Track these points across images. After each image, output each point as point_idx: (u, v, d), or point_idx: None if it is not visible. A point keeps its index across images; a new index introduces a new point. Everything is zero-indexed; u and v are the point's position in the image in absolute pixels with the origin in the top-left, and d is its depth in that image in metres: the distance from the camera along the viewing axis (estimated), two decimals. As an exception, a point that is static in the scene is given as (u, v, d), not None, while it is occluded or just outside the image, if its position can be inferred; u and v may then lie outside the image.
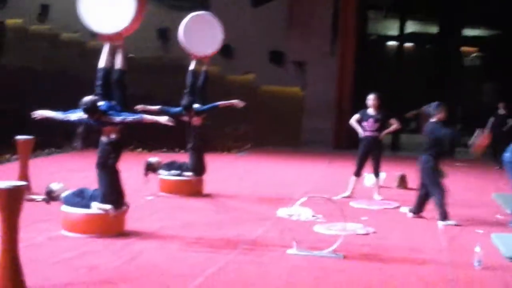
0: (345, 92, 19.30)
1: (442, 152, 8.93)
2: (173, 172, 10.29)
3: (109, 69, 7.50)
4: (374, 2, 21.82)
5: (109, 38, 7.55)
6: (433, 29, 22.84)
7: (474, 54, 22.16)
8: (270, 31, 20.27)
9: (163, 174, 10.28)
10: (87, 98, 7.07)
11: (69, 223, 7.33)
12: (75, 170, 12.38)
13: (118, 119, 7.11)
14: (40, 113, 7.33)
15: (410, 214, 9.09)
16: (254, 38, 20.02)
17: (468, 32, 20.63)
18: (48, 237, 7.13)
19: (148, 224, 8.01)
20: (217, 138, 17.65)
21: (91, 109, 7.03)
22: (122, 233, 7.42)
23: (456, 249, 7.43)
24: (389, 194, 11.04)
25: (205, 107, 10.25)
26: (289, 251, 6.90)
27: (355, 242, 7.44)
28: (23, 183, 5.34)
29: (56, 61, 19.67)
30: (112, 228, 7.38)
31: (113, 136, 7.33)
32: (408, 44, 21.83)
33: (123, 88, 7.53)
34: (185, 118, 10.18)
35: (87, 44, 20.27)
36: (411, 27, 21.63)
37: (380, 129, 10.50)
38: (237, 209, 9.43)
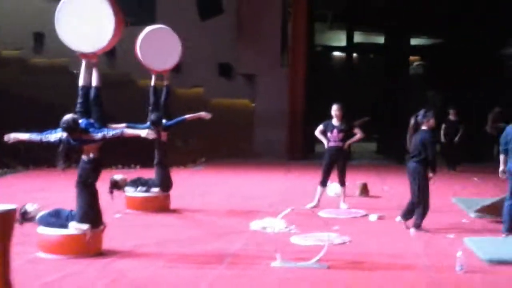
0: (297, 102, 19.45)
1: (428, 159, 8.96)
2: (139, 188, 10.17)
3: (88, 87, 7.41)
4: (318, 14, 22.07)
5: (86, 56, 7.47)
6: (380, 39, 23.35)
7: (417, 63, 22.66)
8: (219, 44, 20.33)
9: (130, 191, 10.13)
10: (67, 117, 6.96)
11: (46, 245, 7.17)
12: (31, 191, 12.12)
13: (99, 135, 7.01)
14: (13, 136, 7.15)
15: (399, 219, 9.19)
16: (203, 51, 20.00)
17: (413, 41, 21.09)
18: (27, 260, 6.95)
19: (123, 243, 7.88)
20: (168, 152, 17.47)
21: (71, 127, 6.92)
22: (100, 253, 7.30)
23: (433, 254, 7.59)
24: (353, 202, 11.15)
25: (173, 121, 10.21)
26: (274, 264, 6.90)
27: (334, 251, 7.49)
28: (13, 206, 5.19)
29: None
30: (90, 248, 7.25)
31: (92, 154, 7.21)
32: (355, 54, 22.16)
33: (101, 104, 7.45)
34: (153, 135, 10.05)
35: (29, 61, 19.92)
36: (356, 37, 21.98)
37: (344, 139, 10.62)
38: (208, 224, 9.39)
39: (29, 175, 15.01)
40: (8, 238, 5.02)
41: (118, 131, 7.27)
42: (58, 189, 12.59)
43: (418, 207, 8.91)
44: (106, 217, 9.03)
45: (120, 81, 19.78)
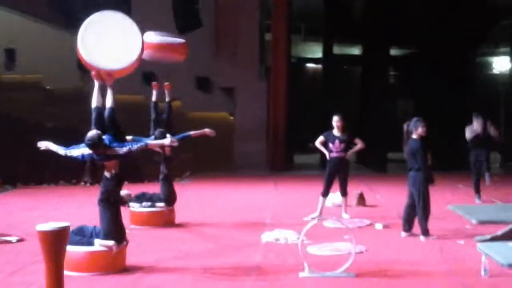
0: (279, 114, 19.61)
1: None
2: (144, 204, 10.15)
3: (102, 108, 7.41)
4: (292, 27, 22.27)
5: (101, 77, 7.48)
6: (356, 51, 23.76)
7: (390, 73, 23.04)
8: (197, 57, 20.31)
9: (135, 206, 10.10)
10: (92, 133, 6.95)
11: (72, 263, 7.08)
12: (25, 209, 12.01)
13: (124, 150, 7.01)
14: (45, 144, 7.21)
15: (405, 234, 9.27)
16: (180, 64, 19.92)
17: (387, 51, 21.41)
18: (53, 279, 6.87)
19: (143, 258, 7.86)
20: (146, 166, 17.37)
21: (96, 143, 6.90)
22: (125, 269, 7.28)
23: (452, 259, 7.75)
24: (351, 212, 11.27)
25: (178, 136, 10.20)
26: (302, 274, 6.98)
27: (355, 260, 7.58)
28: (66, 224, 5.18)
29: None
30: (116, 264, 7.24)
31: (114, 171, 7.20)
32: (331, 66, 22.42)
33: (116, 124, 7.43)
34: (157, 149, 10.09)
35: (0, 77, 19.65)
36: (331, 49, 22.26)
37: (345, 149, 10.76)
38: (219, 237, 9.40)
39: (17, 193, 14.78)
40: (62, 255, 5.00)
41: (142, 144, 7.30)
42: (51, 207, 12.51)
43: (419, 215, 9.08)
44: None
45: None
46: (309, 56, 25.59)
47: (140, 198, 10.22)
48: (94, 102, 7.46)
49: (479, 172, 12.51)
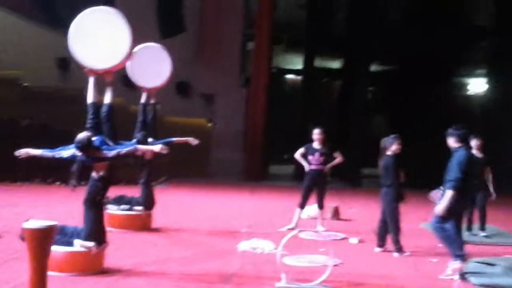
0: (257, 124, 19.72)
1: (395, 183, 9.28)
2: (123, 206, 10.17)
3: (98, 104, 7.44)
4: (274, 37, 22.43)
5: (95, 72, 7.50)
6: (337, 64, 23.99)
7: (369, 88, 23.29)
8: (177, 62, 20.29)
9: (112, 209, 10.11)
10: (82, 135, 6.97)
11: (51, 262, 7.08)
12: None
13: (112, 153, 7.05)
14: (25, 152, 7.13)
15: (378, 250, 9.42)
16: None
17: (367, 67, 21.66)
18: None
19: (120, 261, 7.87)
20: (120, 169, 17.30)
21: (86, 146, 6.93)
22: (103, 271, 7.30)
23: (425, 277, 7.91)
24: (326, 225, 11.36)
25: (159, 142, 10.21)
26: (279, 284, 7.06)
27: (331, 273, 7.69)
28: (53, 222, 5.22)
29: None
30: (94, 266, 7.26)
31: (102, 172, 7.24)
32: (308, 78, 22.62)
33: (112, 121, 7.48)
34: (138, 153, 10.10)
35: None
36: (312, 61, 22.45)
37: (325, 162, 10.88)
38: (197, 243, 9.45)
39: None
40: (47, 253, 5.04)
41: (131, 147, 7.36)
42: (26, 205, 12.45)
43: (390, 231, 9.25)
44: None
45: (75, 96, 19.57)
46: (289, 67, 25.78)
47: (119, 200, 10.25)
48: (90, 98, 7.47)
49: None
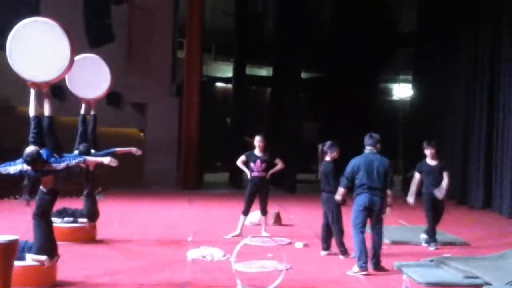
0: (191, 132, 19.74)
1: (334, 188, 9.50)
2: (66, 219, 10.04)
3: (39, 117, 7.36)
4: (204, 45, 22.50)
5: (36, 85, 7.42)
6: (264, 72, 24.26)
7: (299, 95, 23.59)
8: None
9: (56, 221, 9.94)
10: (30, 149, 6.89)
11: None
12: None
13: (61, 165, 7.00)
14: None
15: (324, 253, 9.63)
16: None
17: (297, 74, 21.98)
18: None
19: (71, 274, 7.82)
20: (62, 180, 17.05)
21: (35, 159, 6.85)
22: (56, 284, 7.24)
23: (373, 278, 8.14)
24: (268, 231, 11.51)
25: (102, 152, 10.17)
26: (235, 291, 7.17)
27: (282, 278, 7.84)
28: (15, 237, 5.16)
29: None
30: (47, 279, 7.21)
31: (50, 186, 7.17)
32: (238, 86, 22.77)
33: (54, 133, 7.41)
34: (82, 165, 9.98)
35: None
36: (243, 69, 22.60)
37: (266, 169, 11.03)
38: (145, 254, 9.43)
39: None
40: (11, 268, 4.99)
41: (80, 159, 7.33)
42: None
43: (334, 234, 9.50)
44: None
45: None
46: (219, 75, 25.90)
47: (62, 213, 10.13)
48: (32, 111, 7.38)
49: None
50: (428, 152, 10.48)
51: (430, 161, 10.48)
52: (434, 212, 10.40)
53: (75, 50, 7.57)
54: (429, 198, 10.31)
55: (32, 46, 7.40)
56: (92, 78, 10.46)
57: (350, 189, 8.87)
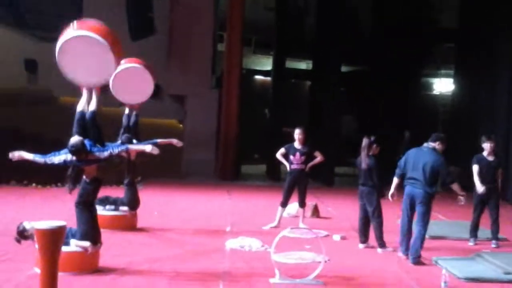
0: (231, 124, 19.87)
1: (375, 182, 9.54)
2: (108, 207, 10.24)
3: (85, 112, 7.50)
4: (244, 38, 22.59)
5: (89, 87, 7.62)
6: (304, 65, 24.23)
7: (339, 89, 23.53)
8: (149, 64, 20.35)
9: (98, 209, 10.11)
10: (75, 140, 7.03)
11: (47, 262, 7.17)
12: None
13: (105, 154, 7.14)
14: (18, 154, 7.09)
15: (362, 246, 9.68)
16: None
17: (337, 68, 21.92)
18: (27, 277, 6.97)
19: (113, 261, 7.98)
20: (104, 169, 17.29)
21: (80, 149, 7.00)
22: (98, 270, 7.41)
23: (412, 271, 8.16)
24: (306, 223, 11.56)
25: (145, 143, 10.30)
26: (273, 280, 7.25)
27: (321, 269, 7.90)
28: (63, 222, 5.31)
29: None
30: (90, 265, 7.38)
31: (93, 174, 7.33)
32: (278, 79, 22.83)
33: (98, 126, 7.55)
34: (124, 154, 10.17)
35: None
36: (283, 62, 22.65)
37: (306, 162, 11.08)
38: (184, 243, 9.56)
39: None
40: (58, 253, 5.12)
41: (123, 147, 7.48)
42: (8, 207, 12.36)
43: (374, 228, 9.52)
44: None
45: (41, 98, 19.46)
46: (258, 68, 25.99)
47: (104, 201, 10.30)
48: (80, 107, 7.52)
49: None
50: (487, 145, 10.22)
51: (488, 156, 10.25)
52: (483, 208, 10.34)
53: (120, 52, 7.64)
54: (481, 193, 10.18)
55: (80, 55, 7.48)
56: (135, 86, 10.54)
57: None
